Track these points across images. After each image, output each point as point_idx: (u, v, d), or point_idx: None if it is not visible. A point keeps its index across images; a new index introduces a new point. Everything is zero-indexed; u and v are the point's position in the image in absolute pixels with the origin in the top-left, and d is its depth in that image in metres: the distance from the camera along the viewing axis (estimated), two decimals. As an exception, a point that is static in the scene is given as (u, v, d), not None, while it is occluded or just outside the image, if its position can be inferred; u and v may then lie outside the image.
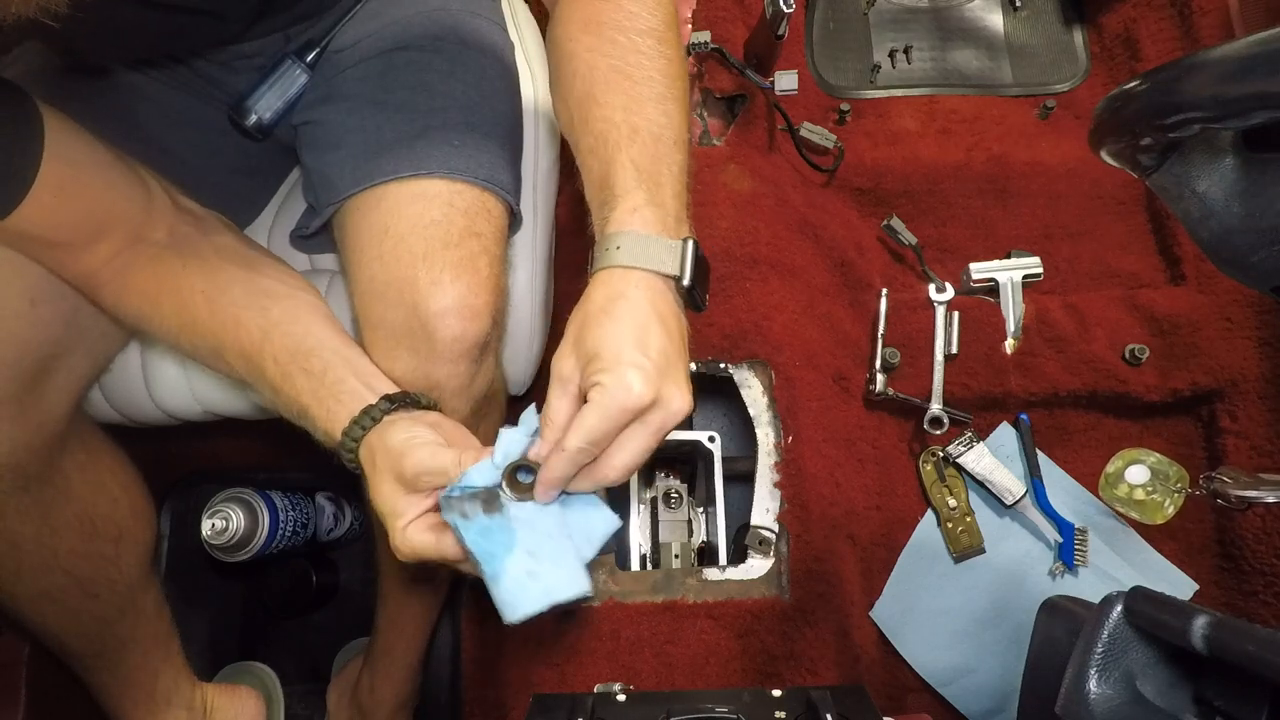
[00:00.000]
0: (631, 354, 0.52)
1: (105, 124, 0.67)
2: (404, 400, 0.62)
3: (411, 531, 0.56)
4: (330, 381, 0.62)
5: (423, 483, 0.56)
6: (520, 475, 0.55)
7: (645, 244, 0.55)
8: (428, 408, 0.63)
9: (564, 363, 0.54)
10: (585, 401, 0.53)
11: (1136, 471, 1.07)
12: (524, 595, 0.52)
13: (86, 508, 0.75)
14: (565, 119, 0.64)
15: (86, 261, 0.66)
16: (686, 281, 0.56)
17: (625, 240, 0.55)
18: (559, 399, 0.54)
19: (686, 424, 1.14)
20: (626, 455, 0.53)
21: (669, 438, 0.58)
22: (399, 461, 0.56)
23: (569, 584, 0.53)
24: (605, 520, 0.58)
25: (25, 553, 0.71)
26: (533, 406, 0.57)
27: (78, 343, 0.70)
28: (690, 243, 0.57)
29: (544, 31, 0.72)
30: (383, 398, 0.60)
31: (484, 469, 0.54)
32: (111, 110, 0.74)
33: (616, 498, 1.09)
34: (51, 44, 0.72)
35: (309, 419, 0.62)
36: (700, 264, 0.58)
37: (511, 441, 0.55)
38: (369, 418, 0.59)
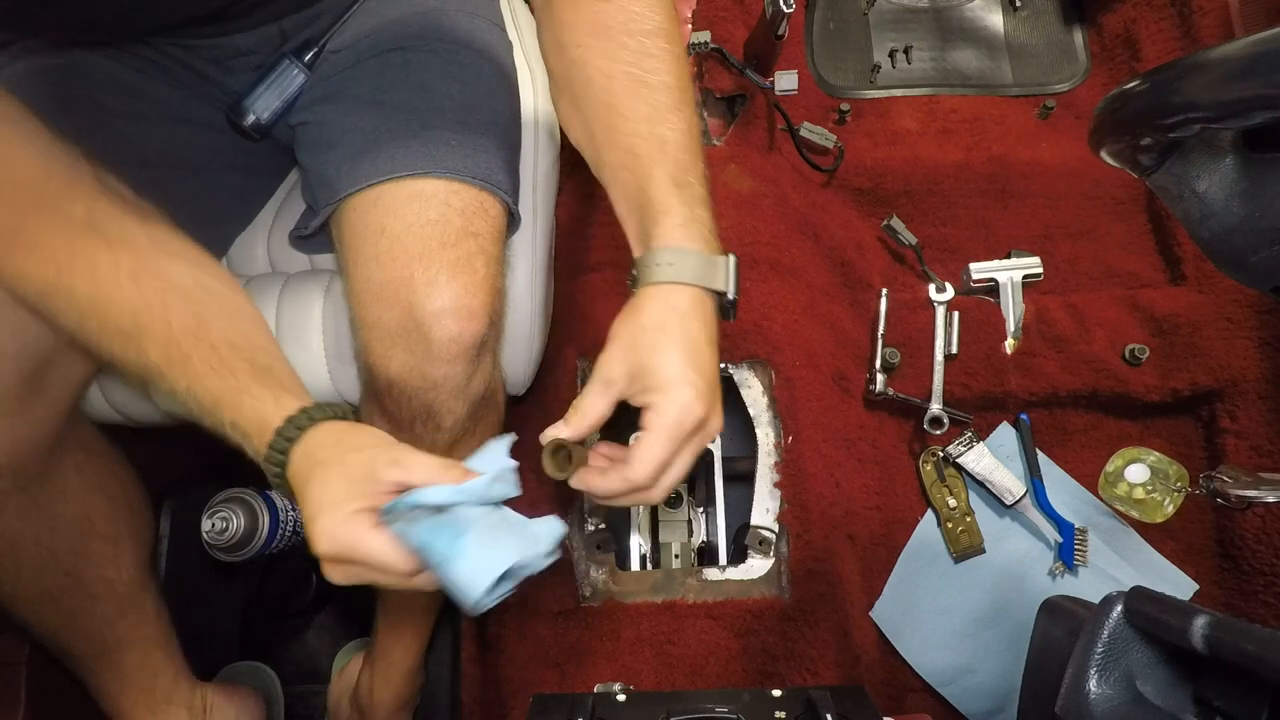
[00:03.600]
0: (687, 374, 0.55)
1: (105, 122, 0.67)
2: (327, 413, 0.57)
3: (358, 524, 0.51)
4: (277, 376, 0.58)
5: (389, 476, 0.52)
6: (559, 455, 0.57)
7: (693, 260, 0.57)
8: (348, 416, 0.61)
9: (613, 367, 0.56)
10: (629, 410, 0.57)
11: (1136, 470, 1.07)
12: (485, 565, 0.51)
13: (85, 508, 0.75)
14: (578, 126, 0.64)
15: None
16: (732, 296, 0.59)
17: (675, 256, 0.57)
18: (598, 398, 0.57)
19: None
20: (672, 477, 0.57)
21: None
22: (372, 457, 0.52)
23: (530, 546, 0.52)
24: (549, 527, 0.55)
25: (24, 552, 0.71)
26: (505, 442, 0.56)
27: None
28: (733, 258, 0.59)
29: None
30: (337, 404, 0.58)
31: (442, 492, 0.52)
32: (111, 108, 0.73)
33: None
34: (34, 29, 0.71)
35: (238, 407, 0.56)
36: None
37: (474, 490, 0.52)
38: (330, 410, 0.56)
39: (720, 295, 0.59)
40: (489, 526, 0.53)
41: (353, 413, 0.60)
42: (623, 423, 0.61)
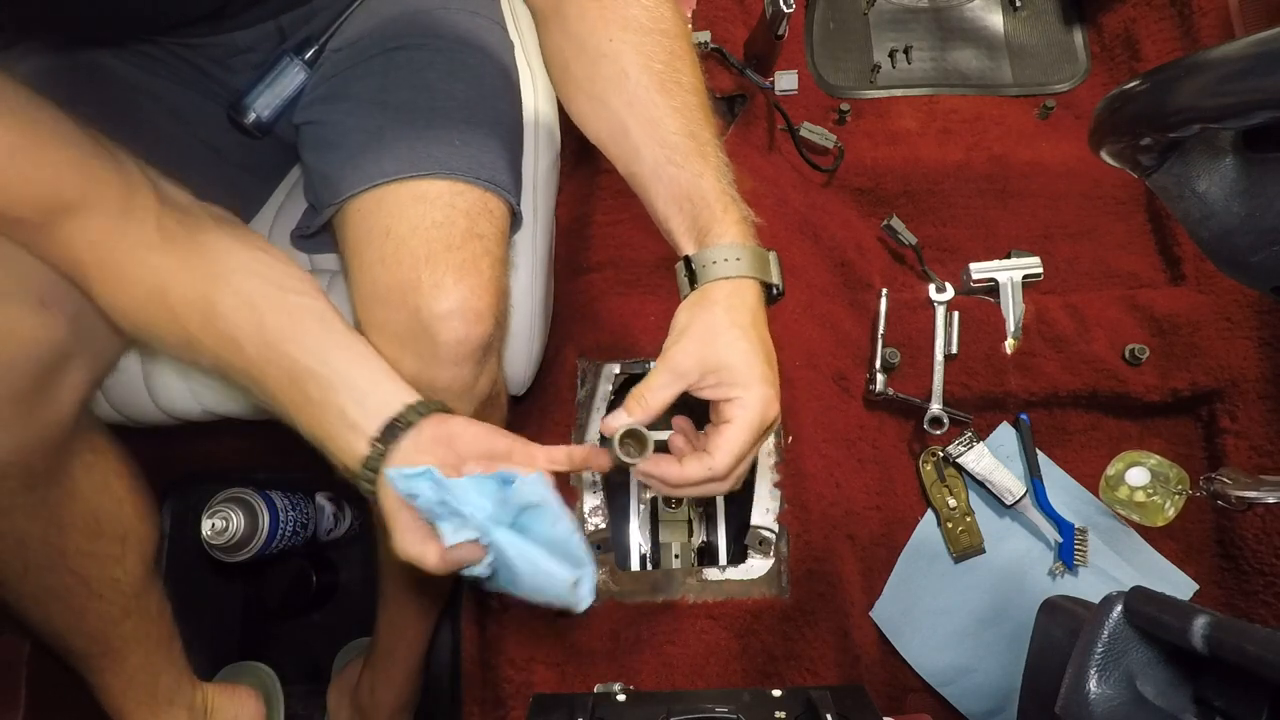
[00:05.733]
0: (766, 372, 0.58)
1: (107, 118, 0.66)
2: (403, 422, 0.59)
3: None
4: (334, 413, 0.60)
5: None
6: (629, 440, 0.59)
7: (752, 255, 0.60)
8: (432, 411, 0.61)
9: (685, 359, 0.58)
10: (700, 401, 0.59)
11: (1137, 474, 1.07)
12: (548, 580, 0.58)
13: (92, 507, 0.75)
14: (605, 122, 0.65)
15: (62, 244, 0.60)
16: (782, 289, 0.62)
17: (739, 251, 0.60)
18: (666, 389, 0.58)
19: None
20: (745, 467, 0.60)
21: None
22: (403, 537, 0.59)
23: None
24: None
25: (32, 551, 0.71)
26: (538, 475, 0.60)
27: (85, 344, 0.69)
28: (775, 253, 0.63)
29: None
30: (373, 440, 0.59)
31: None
32: (114, 105, 0.73)
33: (616, 496, 1.09)
34: (37, 29, 0.71)
35: (324, 449, 0.62)
36: None
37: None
38: (369, 470, 0.59)
39: (770, 287, 0.62)
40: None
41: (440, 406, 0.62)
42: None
